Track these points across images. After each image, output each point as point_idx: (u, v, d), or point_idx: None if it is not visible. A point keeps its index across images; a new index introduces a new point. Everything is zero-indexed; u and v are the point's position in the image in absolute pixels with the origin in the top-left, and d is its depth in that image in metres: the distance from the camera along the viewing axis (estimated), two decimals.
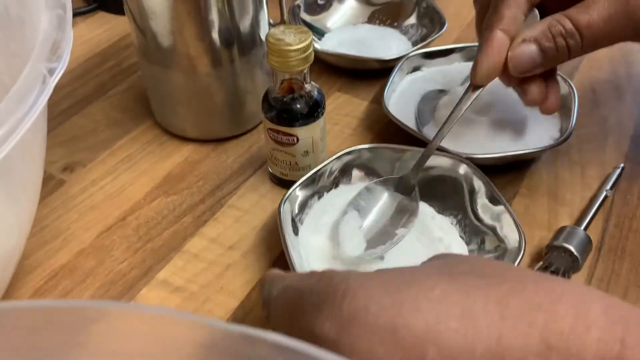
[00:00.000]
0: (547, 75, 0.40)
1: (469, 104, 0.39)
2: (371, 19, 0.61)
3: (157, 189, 0.45)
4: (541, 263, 0.38)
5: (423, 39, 0.56)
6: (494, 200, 0.39)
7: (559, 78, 0.48)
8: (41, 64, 0.24)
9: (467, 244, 0.39)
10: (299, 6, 0.58)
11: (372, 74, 0.54)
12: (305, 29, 0.39)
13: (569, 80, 0.47)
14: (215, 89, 0.45)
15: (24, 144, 0.24)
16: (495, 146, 0.44)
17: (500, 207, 0.38)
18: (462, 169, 0.41)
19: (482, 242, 0.39)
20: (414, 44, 0.57)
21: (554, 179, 0.45)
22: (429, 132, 0.46)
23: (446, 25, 0.55)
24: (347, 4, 0.61)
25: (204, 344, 0.17)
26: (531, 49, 0.36)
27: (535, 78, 0.39)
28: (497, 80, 0.51)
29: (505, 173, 0.45)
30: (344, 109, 0.52)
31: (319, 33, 0.59)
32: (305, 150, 0.42)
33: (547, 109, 0.41)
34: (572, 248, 0.37)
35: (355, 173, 0.43)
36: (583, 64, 0.56)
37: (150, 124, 0.50)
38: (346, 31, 0.59)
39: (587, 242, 0.38)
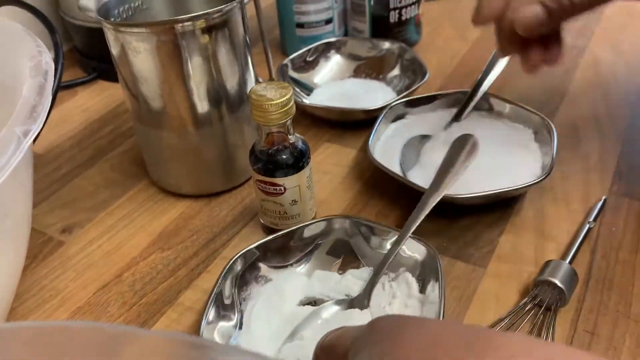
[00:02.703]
0: (549, 38, 0.42)
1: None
2: (357, 73, 0.63)
3: (152, 245, 0.46)
4: (527, 299, 0.38)
5: (407, 88, 0.59)
6: None
7: (537, 117, 0.50)
8: (17, 127, 0.26)
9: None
10: (287, 65, 0.61)
11: (359, 124, 0.56)
12: (286, 84, 0.41)
13: (547, 119, 0.49)
14: (207, 146, 0.47)
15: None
16: (480, 185, 0.45)
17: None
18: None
19: None
20: (399, 93, 0.59)
21: (539, 215, 0.45)
22: (414, 175, 0.48)
23: (428, 74, 0.57)
24: (333, 60, 0.64)
25: None
26: (536, 9, 0.39)
27: (534, 42, 0.42)
28: (477, 118, 0.53)
29: (491, 212, 0.46)
30: (333, 159, 0.54)
31: (308, 89, 0.62)
32: (293, 200, 0.43)
33: (550, 61, 0.43)
34: (557, 281, 0.37)
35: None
36: (564, 102, 0.58)
37: (147, 183, 0.52)
38: (334, 86, 0.62)
39: (573, 275, 0.38)
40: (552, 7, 0.39)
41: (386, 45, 0.63)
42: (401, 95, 0.55)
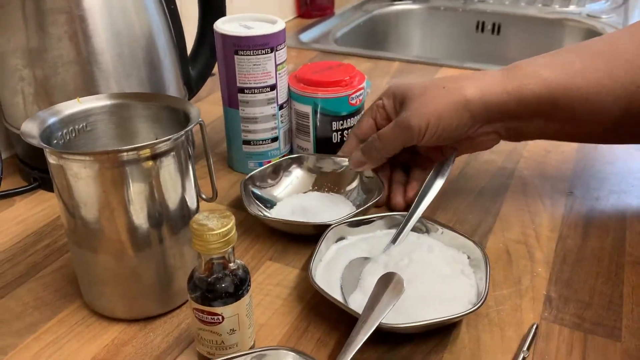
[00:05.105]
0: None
1: None
2: (318, 187, 0.65)
3: None
4: None
5: (365, 202, 0.61)
6: None
7: (470, 242, 0.52)
8: None
9: None
10: (249, 180, 0.62)
11: (310, 238, 0.56)
12: (228, 213, 0.41)
13: (480, 245, 0.51)
14: (144, 269, 0.46)
15: None
16: (418, 313, 0.46)
17: None
18: None
19: None
20: (358, 207, 0.60)
21: (475, 342, 0.46)
22: (355, 298, 0.48)
23: (383, 192, 0.60)
24: (294, 174, 0.65)
25: None
26: (358, 153, 0.61)
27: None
28: (414, 241, 0.55)
29: (429, 339, 0.46)
30: (275, 279, 0.54)
31: (270, 203, 0.62)
32: (231, 329, 0.42)
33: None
34: None
35: None
36: (497, 223, 0.60)
37: (80, 304, 0.50)
38: (295, 199, 0.63)
39: None
40: (363, 149, 0.61)
41: (345, 162, 0.64)
42: (354, 212, 0.57)
